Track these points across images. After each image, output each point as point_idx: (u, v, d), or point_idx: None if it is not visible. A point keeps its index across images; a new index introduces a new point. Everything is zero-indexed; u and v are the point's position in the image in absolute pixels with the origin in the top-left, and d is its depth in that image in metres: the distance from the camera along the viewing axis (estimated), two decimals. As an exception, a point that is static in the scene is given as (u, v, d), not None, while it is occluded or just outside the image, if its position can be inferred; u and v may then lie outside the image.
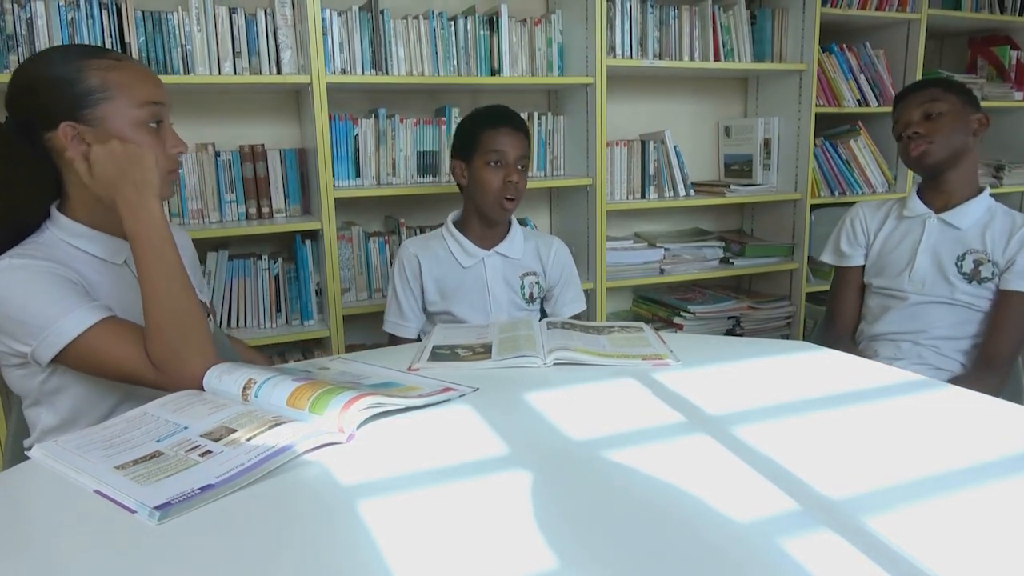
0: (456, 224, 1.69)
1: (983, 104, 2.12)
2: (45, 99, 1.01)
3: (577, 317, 1.74)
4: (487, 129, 1.60)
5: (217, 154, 2.07)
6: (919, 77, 2.71)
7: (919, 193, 1.70)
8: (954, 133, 1.59)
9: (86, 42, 1.82)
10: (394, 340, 1.68)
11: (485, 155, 1.59)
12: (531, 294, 1.69)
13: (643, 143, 2.55)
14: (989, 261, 1.58)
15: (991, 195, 1.65)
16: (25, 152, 1.03)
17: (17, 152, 1.03)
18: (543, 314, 1.78)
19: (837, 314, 1.80)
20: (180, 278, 1.00)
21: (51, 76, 1.01)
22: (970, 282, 1.59)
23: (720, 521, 0.64)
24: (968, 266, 1.59)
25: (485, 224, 1.66)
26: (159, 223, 1.00)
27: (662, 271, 2.58)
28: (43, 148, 1.04)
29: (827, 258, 1.83)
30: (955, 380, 1.54)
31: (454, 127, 1.86)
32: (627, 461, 0.77)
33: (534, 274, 1.70)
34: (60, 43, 1.81)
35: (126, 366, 0.97)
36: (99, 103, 1.01)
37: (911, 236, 1.67)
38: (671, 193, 2.59)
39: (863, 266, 1.76)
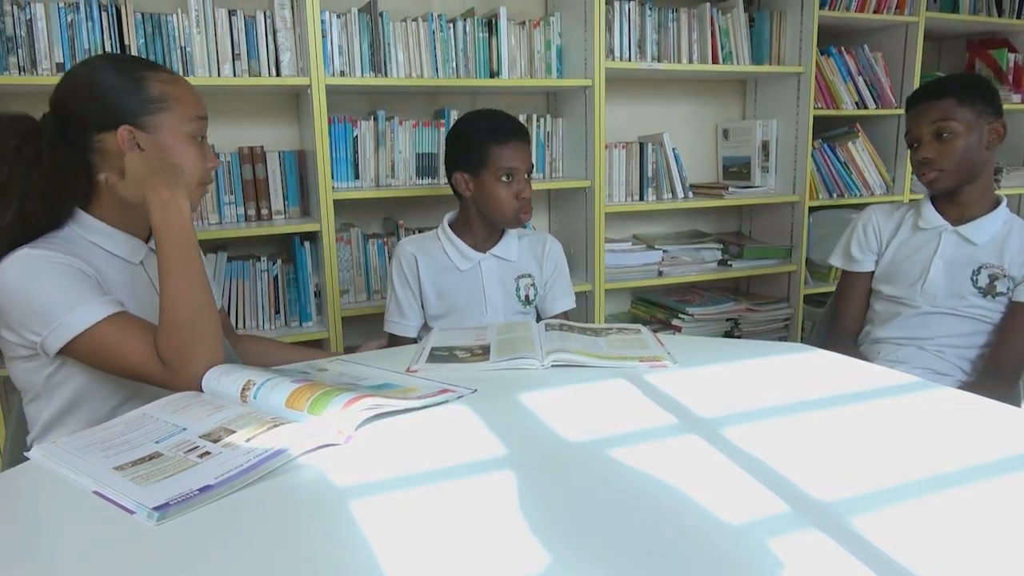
0: (451, 227, 1.68)
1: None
2: (106, 101, 1.05)
3: (568, 317, 1.75)
4: (496, 144, 1.56)
5: (216, 156, 2.07)
6: (917, 79, 2.71)
7: (933, 202, 1.66)
8: (967, 154, 1.53)
9: (86, 45, 1.84)
10: (394, 339, 1.68)
11: (497, 171, 1.57)
12: (526, 296, 1.70)
13: (642, 145, 2.56)
14: (1006, 276, 1.55)
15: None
16: (65, 154, 1.05)
17: (59, 155, 1.04)
18: (536, 312, 1.78)
19: (842, 317, 1.77)
20: (200, 278, 1.02)
21: (113, 82, 1.06)
22: (984, 296, 1.56)
23: (712, 522, 0.65)
24: (984, 281, 1.56)
25: (486, 230, 1.66)
26: (187, 222, 1.02)
27: (660, 273, 2.58)
28: (83, 148, 1.06)
29: (836, 261, 1.80)
30: (962, 389, 1.53)
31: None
32: (623, 462, 0.77)
33: (529, 276, 1.70)
34: (60, 46, 1.82)
35: (133, 361, 0.98)
36: (158, 112, 1.07)
37: (926, 248, 1.63)
38: (669, 195, 2.60)
39: (871, 272, 1.74)
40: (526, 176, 1.61)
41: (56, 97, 1.07)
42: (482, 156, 1.57)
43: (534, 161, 2.40)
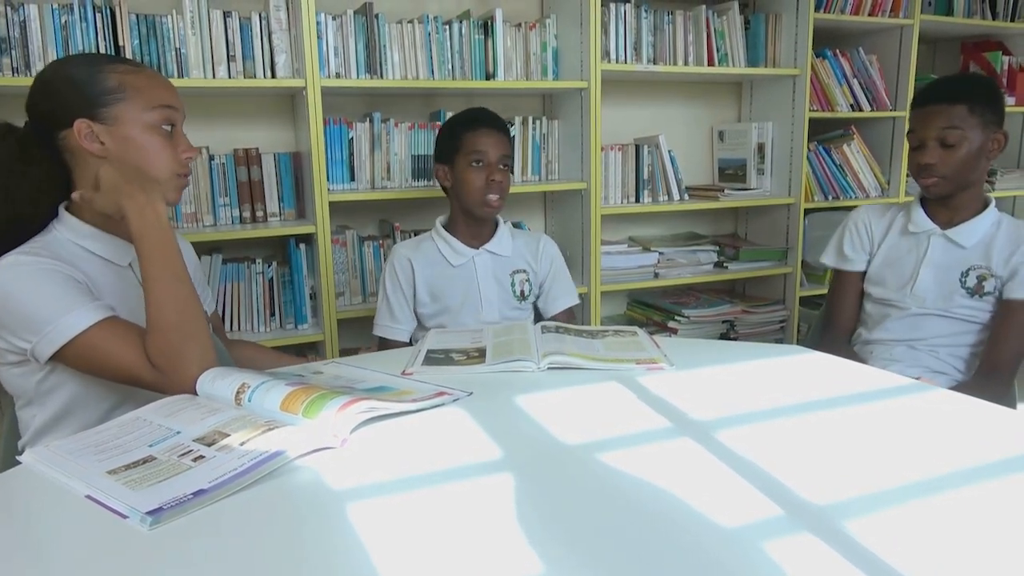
0: (444, 226, 1.70)
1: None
2: (63, 97, 1.04)
3: (571, 316, 1.75)
4: (467, 131, 1.62)
5: (211, 158, 2.07)
6: (912, 82, 2.72)
7: (924, 205, 1.65)
8: (968, 163, 1.52)
9: (80, 46, 1.83)
10: (384, 344, 1.68)
11: (467, 156, 1.61)
12: (522, 291, 1.70)
13: (637, 147, 2.56)
14: (993, 276, 1.55)
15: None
16: (39, 152, 1.05)
17: (32, 152, 1.05)
18: (536, 312, 1.78)
19: (835, 316, 1.77)
20: (184, 280, 1.01)
21: (70, 76, 1.05)
22: (972, 296, 1.56)
23: (707, 526, 0.65)
24: (972, 282, 1.56)
25: (473, 224, 1.68)
26: (165, 226, 1.01)
27: (656, 275, 2.58)
28: (56, 148, 1.06)
29: (828, 260, 1.80)
30: (957, 389, 1.53)
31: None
32: (618, 465, 0.77)
33: (524, 272, 1.71)
34: (54, 47, 1.81)
35: (125, 366, 0.97)
36: (114, 103, 1.05)
37: (915, 251, 1.64)
38: (665, 197, 2.60)
39: (864, 271, 1.74)
40: (500, 165, 1.62)
41: (28, 99, 1.07)
42: (455, 144, 1.63)
43: (530, 163, 2.41)
